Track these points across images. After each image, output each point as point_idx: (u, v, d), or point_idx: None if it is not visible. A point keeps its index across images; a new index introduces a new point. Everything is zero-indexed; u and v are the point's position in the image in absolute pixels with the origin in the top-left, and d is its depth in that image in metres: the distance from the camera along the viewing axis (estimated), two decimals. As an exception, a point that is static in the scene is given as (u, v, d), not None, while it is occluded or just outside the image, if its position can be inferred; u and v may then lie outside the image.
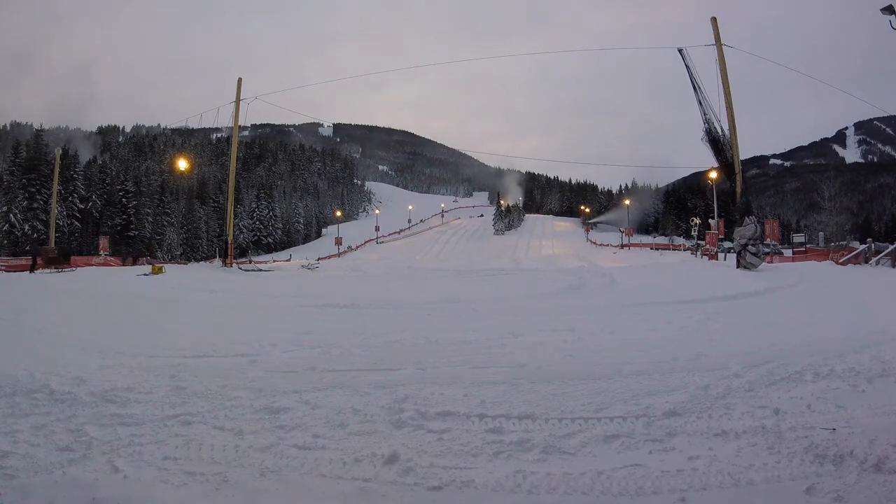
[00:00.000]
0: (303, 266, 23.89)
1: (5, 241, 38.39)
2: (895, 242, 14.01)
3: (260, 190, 69.84)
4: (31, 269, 16.58)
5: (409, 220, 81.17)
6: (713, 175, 25.56)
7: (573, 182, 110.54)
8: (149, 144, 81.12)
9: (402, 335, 5.26)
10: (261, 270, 19.19)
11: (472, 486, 2.05)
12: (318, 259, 38.46)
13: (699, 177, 46.34)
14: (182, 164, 25.08)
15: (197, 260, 37.21)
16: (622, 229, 51.45)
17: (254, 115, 54.05)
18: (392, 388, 3.32)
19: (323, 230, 79.30)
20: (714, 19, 14.51)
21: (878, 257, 13.00)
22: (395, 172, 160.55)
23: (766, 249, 21.27)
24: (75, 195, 46.32)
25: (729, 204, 18.66)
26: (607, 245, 48.68)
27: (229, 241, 19.60)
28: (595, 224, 75.02)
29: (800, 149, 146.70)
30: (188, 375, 3.69)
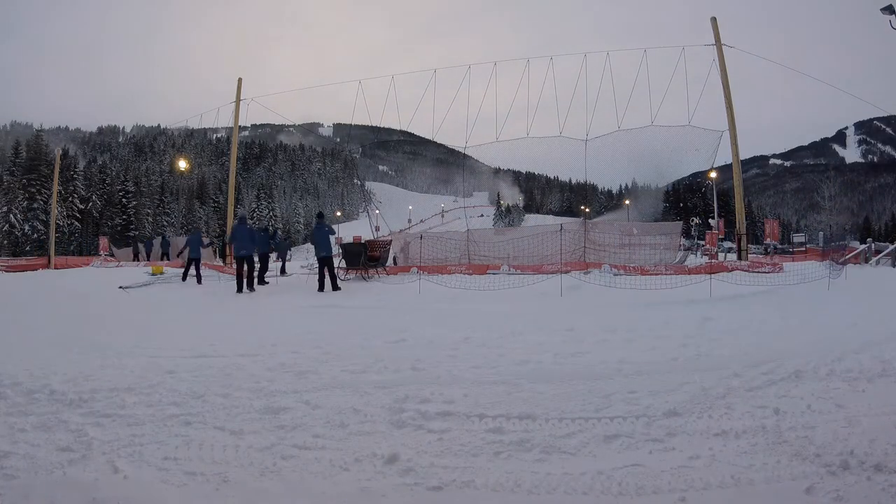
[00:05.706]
0: (302, 266, 23.93)
1: (5, 242, 38.37)
2: (895, 242, 14.03)
3: (260, 190, 69.97)
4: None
5: (410, 221, 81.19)
6: (713, 175, 25.60)
7: (573, 182, 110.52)
8: (149, 144, 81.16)
9: (402, 335, 5.26)
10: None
11: (472, 486, 2.05)
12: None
13: (699, 177, 46.40)
14: (182, 164, 25.09)
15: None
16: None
17: (254, 115, 53.90)
18: (392, 388, 3.32)
19: (323, 230, 79.36)
20: (714, 19, 14.49)
21: (878, 257, 13.02)
22: (395, 172, 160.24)
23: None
24: (75, 195, 46.37)
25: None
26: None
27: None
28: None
29: (800, 149, 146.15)
30: (189, 375, 3.69)
